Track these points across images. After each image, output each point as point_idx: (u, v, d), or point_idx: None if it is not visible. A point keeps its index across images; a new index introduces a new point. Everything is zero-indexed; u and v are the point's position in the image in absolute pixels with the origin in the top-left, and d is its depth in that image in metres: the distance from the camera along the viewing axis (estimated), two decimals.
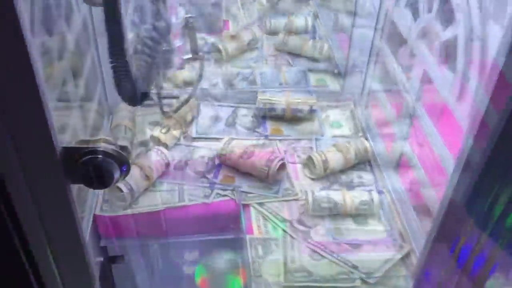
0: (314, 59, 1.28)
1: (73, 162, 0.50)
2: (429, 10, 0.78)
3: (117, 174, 0.53)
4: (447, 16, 0.73)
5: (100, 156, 0.52)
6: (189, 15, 0.88)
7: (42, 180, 0.50)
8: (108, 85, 1.07)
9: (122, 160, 0.53)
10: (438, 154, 0.76)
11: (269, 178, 0.94)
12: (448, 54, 0.73)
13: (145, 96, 0.72)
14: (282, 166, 0.96)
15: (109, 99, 1.09)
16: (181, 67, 1.05)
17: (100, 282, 0.92)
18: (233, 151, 0.97)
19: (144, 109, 1.12)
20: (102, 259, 0.95)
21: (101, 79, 1.06)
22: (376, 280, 0.79)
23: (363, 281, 0.79)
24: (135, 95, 0.69)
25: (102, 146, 0.52)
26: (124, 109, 1.06)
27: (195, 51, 0.90)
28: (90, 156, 0.51)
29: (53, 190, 0.52)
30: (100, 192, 0.93)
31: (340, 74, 1.21)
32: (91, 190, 0.91)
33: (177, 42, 0.88)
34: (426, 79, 0.80)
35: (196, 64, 0.95)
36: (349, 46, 1.10)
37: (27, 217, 0.53)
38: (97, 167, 0.51)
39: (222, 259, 0.94)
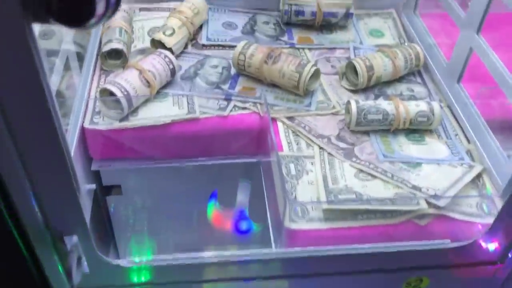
0: None
1: None
2: None
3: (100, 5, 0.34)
4: None
5: None
6: None
7: None
8: None
9: None
10: None
11: (299, 88, 0.76)
12: None
13: None
14: (316, 74, 0.77)
15: None
16: None
17: (93, 216, 0.74)
18: (254, 55, 0.78)
19: (144, 13, 0.92)
20: (94, 186, 0.77)
21: None
22: (446, 202, 0.61)
23: (430, 204, 0.61)
24: None
25: None
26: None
27: None
28: None
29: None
30: (88, 99, 0.75)
31: None
32: (74, 95, 0.73)
33: None
34: None
35: None
36: None
37: None
38: None
39: (243, 186, 0.77)
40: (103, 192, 0.82)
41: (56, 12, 0.32)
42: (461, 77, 0.75)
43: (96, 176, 0.79)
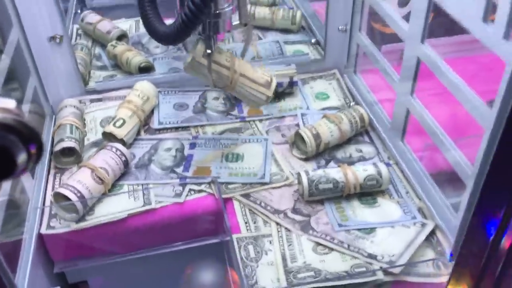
0: (287, 31, 1.12)
1: None
2: None
3: (21, 157, 0.35)
4: None
5: None
6: None
7: None
8: (49, 81, 0.90)
9: (26, 134, 0.35)
10: (464, 101, 0.60)
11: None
12: None
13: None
14: None
15: (51, 98, 0.91)
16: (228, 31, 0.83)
17: None
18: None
19: (96, 105, 0.94)
20: None
21: (36, 75, 0.87)
22: (401, 269, 0.62)
23: (386, 272, 0.62)
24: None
25: None
26: (69, 105, 0.88)
27: (244, 17, 0.73)
28: None
29: None
30: (42, 205, 0.75)
31: (319, 43, 1.05)
32: (29, 203, 0.73)
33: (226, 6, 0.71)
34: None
35: None
36: (327, 3, 0.94)
37: None
38: None
39: (205, 271, 0.77)
40: None
41: None
42: (403, 136, 0.78)
43: (60, 276, 0.78)
